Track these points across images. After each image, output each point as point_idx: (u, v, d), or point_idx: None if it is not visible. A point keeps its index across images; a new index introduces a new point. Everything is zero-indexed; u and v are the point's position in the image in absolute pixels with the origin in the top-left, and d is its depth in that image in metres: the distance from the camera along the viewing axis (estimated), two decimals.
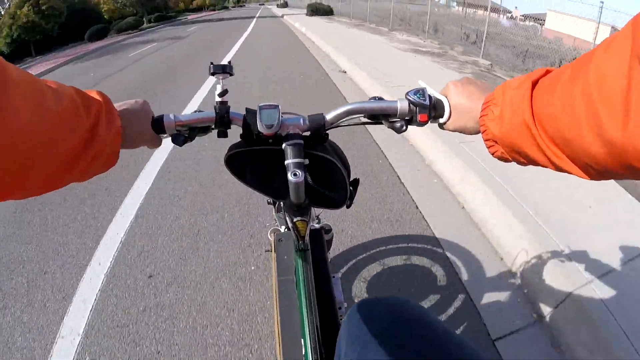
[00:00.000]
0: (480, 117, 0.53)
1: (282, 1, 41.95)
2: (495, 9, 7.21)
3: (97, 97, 0.54)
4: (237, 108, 0.70)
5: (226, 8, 57.35)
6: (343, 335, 0.59)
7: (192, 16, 33.68)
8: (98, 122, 0.51)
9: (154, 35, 17.81)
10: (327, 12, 19.52)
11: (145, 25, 25.35)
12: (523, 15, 8.51)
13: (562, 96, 0.38)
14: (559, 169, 0.43)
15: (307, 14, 19.32)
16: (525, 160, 0.48)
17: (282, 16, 20.50)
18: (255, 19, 20.39)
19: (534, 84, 0.44)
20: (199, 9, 49.85)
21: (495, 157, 0.54)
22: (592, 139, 0.34)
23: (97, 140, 0.51)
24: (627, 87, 0.30)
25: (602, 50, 0.34)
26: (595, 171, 0.38)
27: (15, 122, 0.38)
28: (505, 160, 0.53)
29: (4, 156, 0.38)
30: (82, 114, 0.49)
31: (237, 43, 10.86)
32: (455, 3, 13.61)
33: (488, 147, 0.53)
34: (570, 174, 0.42)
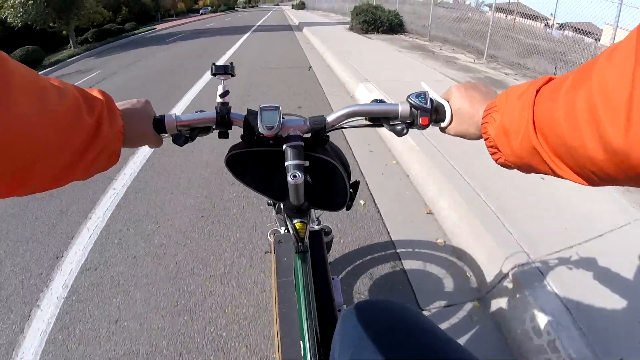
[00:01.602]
0: (482, 124, 0.53)
1: (298, 1, 33.79)
2: (529, 15, 5.89)
3: (99, 96, 0.54)
4: None
5: (230, 9, 50.27)
6: (337, 336, 0.59)
7: (164, 25, 22.67)
8: (100, 122, 0.51)
9: None
10: (392, 26, 10.34)
11: (57, 58, 12.97)
12: (559, 24, 6.93)
13: (564, 103, 0.38)
14: (559, 176, 0.43)
15: (353, 28, 10.85)
16: (527, 168, 0.48)
17: (300, 27, 11.49)
18: (246, 36, 12.10)
19: (537, 92, 0.44)
20: (191, 11, 42.04)
21: (498, 163, 0.53)
22: (594, 146, 0.34)
23: (100, 141, 0.51)
24: (629, 94, 0.30)
25: (605, 58, 0.34)
26: (598, 177, 0.38)
27: (20, 124, 0.38)
28: (508, 167, 0.52)
29: (8, 158, 0.38)
30: (84, 114, 0.49)
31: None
32: (487, 8, 8.57)
33: (491, 154, 0.53)
34: (571, 181, 0.42)
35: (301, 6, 32.67)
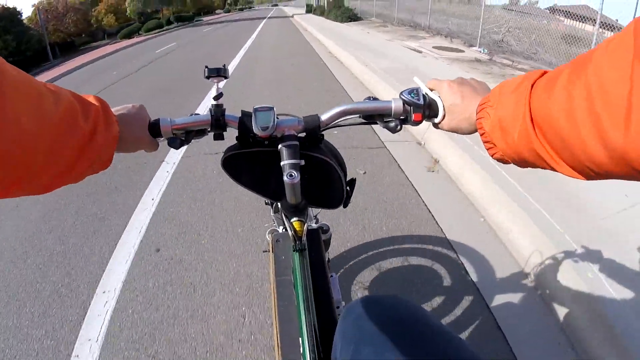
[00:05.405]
0: (477, 119, 0.53)
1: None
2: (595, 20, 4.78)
3: (95, 102, 0.54)
4: None
5: (187, 20, 30.79)
6: (339, 333, 0.59)
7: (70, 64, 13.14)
8: (96, 128, 0.51)
9: None
10: None
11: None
12: None
13: (561, 98, 0.37)
14: (555, 171, 0.43)
15: None
16: (524, 163, 0.48)
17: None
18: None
19: (532, 85, 0.44)
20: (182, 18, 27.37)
21: (494, 158, 0.53)
22: (592, 142, 0.34)
23: (95, 147, 0.51)
24: (629, 91, 0.30)
25: (602, 51, 0.34)
26: (594, 173, 0.38)
27: (15, 129, 0.38)
28: (505, 162, 0.52)
29: (2, 164, 0.38)
30: (80, 120, 0.49)
31: None
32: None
33: (487, 149, 0.53)
34: (567, 175, 0.42)
35: (350, 15, 14.35)
